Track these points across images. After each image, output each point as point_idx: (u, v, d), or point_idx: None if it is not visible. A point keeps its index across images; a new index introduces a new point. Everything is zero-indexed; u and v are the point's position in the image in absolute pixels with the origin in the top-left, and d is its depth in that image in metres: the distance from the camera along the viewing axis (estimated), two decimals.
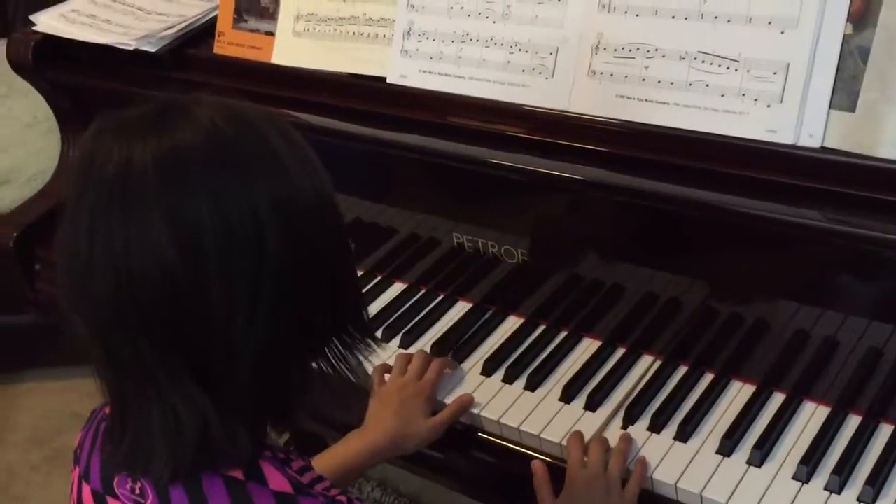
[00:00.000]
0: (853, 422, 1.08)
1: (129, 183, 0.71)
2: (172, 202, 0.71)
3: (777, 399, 1.12)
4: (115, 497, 0.81)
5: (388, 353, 1.28)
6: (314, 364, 0.84)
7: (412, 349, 1.28)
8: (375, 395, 1.19)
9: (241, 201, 0.72)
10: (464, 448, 1.19)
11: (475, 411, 1.18)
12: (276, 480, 0.78)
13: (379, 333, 1.33)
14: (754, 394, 1.13)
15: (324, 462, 1.09)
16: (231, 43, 1.47)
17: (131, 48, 1.50)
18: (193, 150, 0.72)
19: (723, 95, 1.05)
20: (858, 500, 0.99)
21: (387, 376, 1.22)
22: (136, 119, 0.74)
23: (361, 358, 0.86)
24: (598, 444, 1.09)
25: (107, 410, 0.82)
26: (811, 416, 1.10)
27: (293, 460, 0.82)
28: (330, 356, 0.84)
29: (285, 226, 0.74)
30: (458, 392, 1.21)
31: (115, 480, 0.81)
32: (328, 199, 0.79)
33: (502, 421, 1.16)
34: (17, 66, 1.64)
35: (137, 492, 0.79)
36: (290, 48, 1.40)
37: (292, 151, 0.77)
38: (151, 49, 1.50)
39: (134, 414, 0.77)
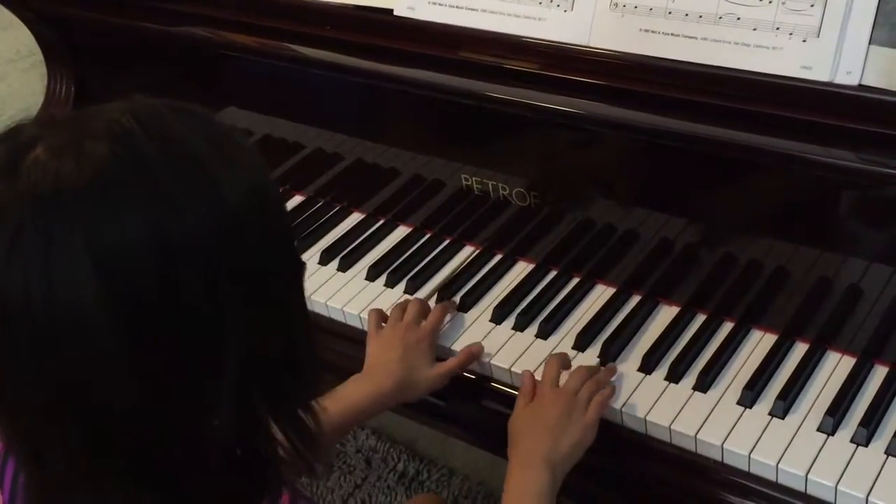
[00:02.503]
0: (880, 372, 1.04)
1: (60, 200, 0.58)
2: (100, 226, 0.58)
3: (800, 349, 1.09)
4: None
5: (392, 299, 1.25)
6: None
7: (418, 295, 1.24)
8: (374, 340, 1.14)
9: (180, 222, 0.59)
10: (475, 398, 1.15)
11: (486, 360, 1.14)
12: None
13: (383, 278, 1.28)
14: (776, 343, 1.09)
15: (329, 406, 1.05)
16: None
17: None
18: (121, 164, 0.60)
19: (755, 29, 1.00)
20: (886, 452, 0.96)
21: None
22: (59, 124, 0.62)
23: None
24: (581, 370, 1.06)
25: None
26: (835, 366, 1.06)
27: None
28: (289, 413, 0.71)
29: (231, 244, 0.61)
30: (467, 339, 1.16)
31: None
32: (274, 203, 0.68)
33: (514, 370, 1.12)
34: None
35: None
36: None
37: (223, 154, 0.64)
38: None
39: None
